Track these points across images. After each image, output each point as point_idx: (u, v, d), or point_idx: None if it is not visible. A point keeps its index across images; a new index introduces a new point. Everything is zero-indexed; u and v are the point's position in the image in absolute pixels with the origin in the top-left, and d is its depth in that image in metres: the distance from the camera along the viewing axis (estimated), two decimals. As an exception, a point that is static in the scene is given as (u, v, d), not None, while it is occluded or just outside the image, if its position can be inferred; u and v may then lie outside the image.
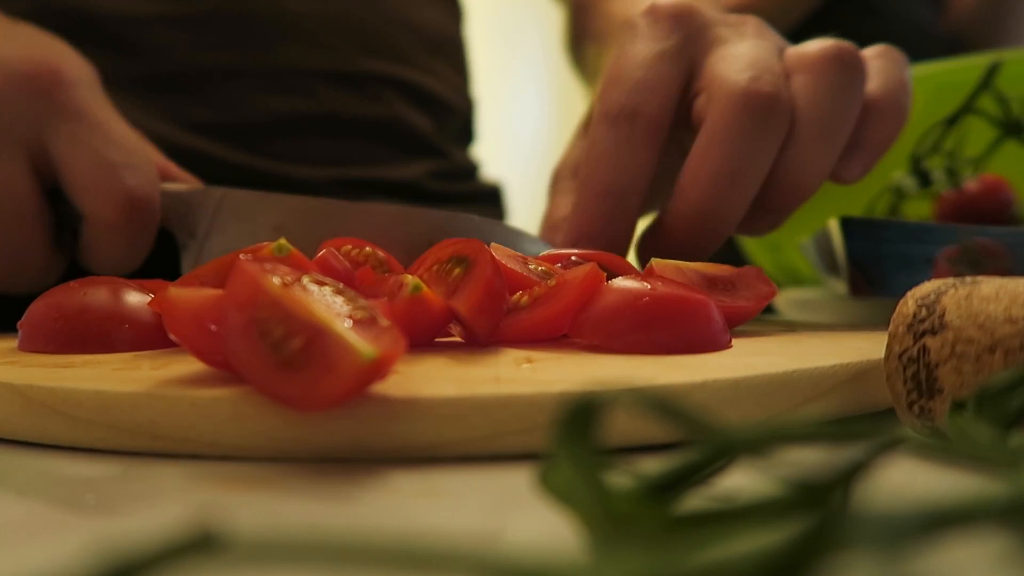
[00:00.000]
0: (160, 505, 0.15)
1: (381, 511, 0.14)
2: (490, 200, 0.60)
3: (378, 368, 0.16)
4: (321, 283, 0.19)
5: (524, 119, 3.69)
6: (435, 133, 0.54)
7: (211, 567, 0.08)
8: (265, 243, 0.24)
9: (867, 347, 0.23)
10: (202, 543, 0.08)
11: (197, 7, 0.44)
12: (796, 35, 0.84)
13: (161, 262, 0.39)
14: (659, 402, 0.10)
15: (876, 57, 0.35)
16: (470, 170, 0.59)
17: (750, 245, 0.66)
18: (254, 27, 0.46)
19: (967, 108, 0.40)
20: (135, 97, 0.43)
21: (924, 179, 0.41)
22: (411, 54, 0.52)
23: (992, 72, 0.39)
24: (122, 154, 0.33)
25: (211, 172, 0.43)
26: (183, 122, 0.44)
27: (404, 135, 0.51)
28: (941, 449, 0.12)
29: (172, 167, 0.38)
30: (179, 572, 0.08)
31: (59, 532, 0.13)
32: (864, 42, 0.84)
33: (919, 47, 0.85)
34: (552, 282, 0.24)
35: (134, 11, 0.43)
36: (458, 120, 0.57)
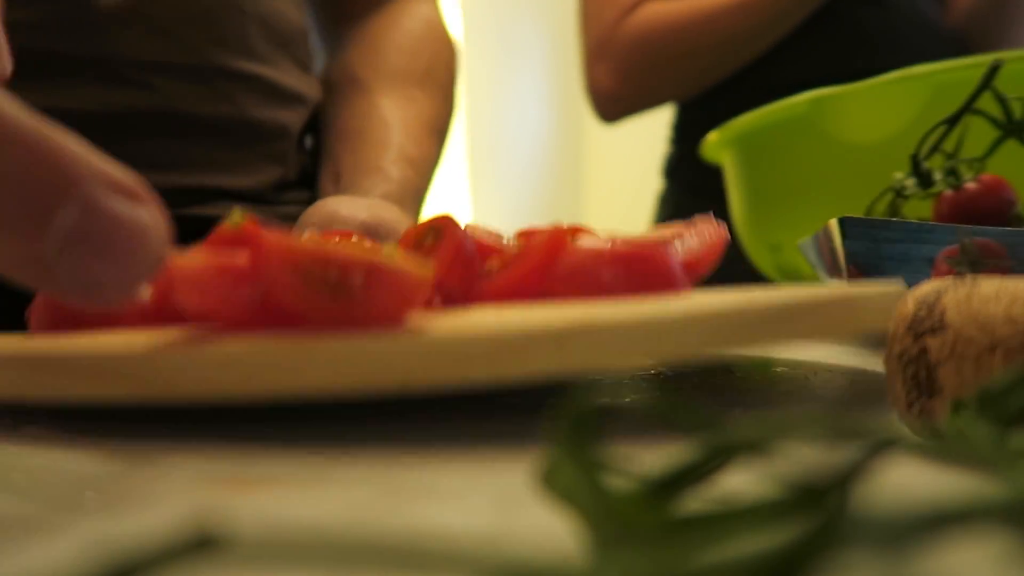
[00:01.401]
0: (161, 504, 0.15)
1: (381, 511, 0.14)
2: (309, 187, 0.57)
3: (426, 286, 0.19)
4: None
5: (525, 120, 3.69)
6: (286, 134, 0.51)
7: (211, 567, 0.08)
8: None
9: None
10: (202, 543, 0.08)
11: None
12: (804, 29, 0.85)
13: None
14: (659, 403, 0.10)
15: None
16: (312, 174, 0.56)
17: (750, 245, 0.66)
18: (92, 10, 0.42)
19: (967, 108, 0.40)
20: None
21: (924, 179, 0.41)
22: (261, 48, 0.49)
23: (993, 72, 0.39)
24: None
25: None
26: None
27: (253, 136, 0.49)
28: (941, 449, 0.12)
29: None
30: (180, 572, 0.08)
31: (59, 532, 0.13)
32: (871, 36, 0.85)
33: (925, 41, 0.85)
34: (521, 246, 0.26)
35: None
36: (300, 115, 0.54)
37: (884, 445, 0.10)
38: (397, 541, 0.08)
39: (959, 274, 0.31)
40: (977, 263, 0.31)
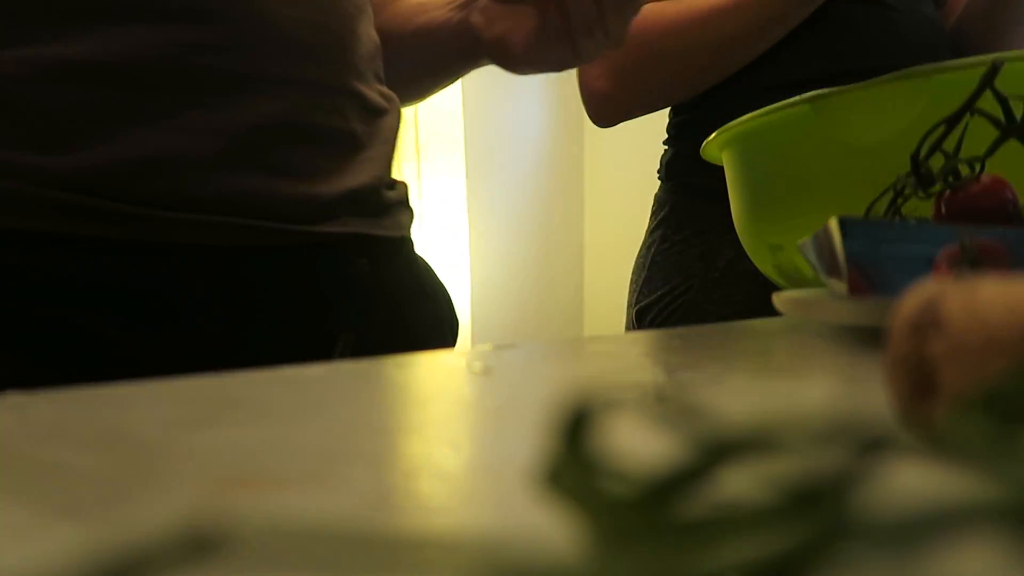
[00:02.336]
0: (161, 503, 0.15)
1: (380, 511, 0.14)
2: (407, 201, 0.60)
3: None
4: None
5: (525, 121, 3.69)
6: (379, 140, 0.54)
7: (211, 567, 0.08)
8: None
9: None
10: (202, 543, 0.08)
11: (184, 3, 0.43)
12: (803, 27, 0.85)
13: None
14: (659, 404, 0.10)
15: None
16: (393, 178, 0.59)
17: (750, 245, 0.66)
18: (270, 34, 0.45)
19: (967, 108, 0.40)
20: (93, 87, 0.41)
21: (924, 179, 0.41)
22: (361, 66, 0.52)
23: (993, 72, 0.39)
24: None
25: (177, 187, 0.42)
26: (158, 123, 0.42)
27: (354, 144, 0.51)
28: (941, 449, 0.12)
29: None
30: (179, 573, 0.08)
31: (58, 531, 0.13)
32: (868, 35, 0.85)
33: (931, 40, 0.86)
34: None
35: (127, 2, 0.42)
36: (392, 125, 0.57)
37: (884, 445, 0.10)
38: (396, 541, 0.08)
39: (959, 274, 0.31)
40: (977, 263, 0.31)
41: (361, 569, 0.08)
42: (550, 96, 4.13)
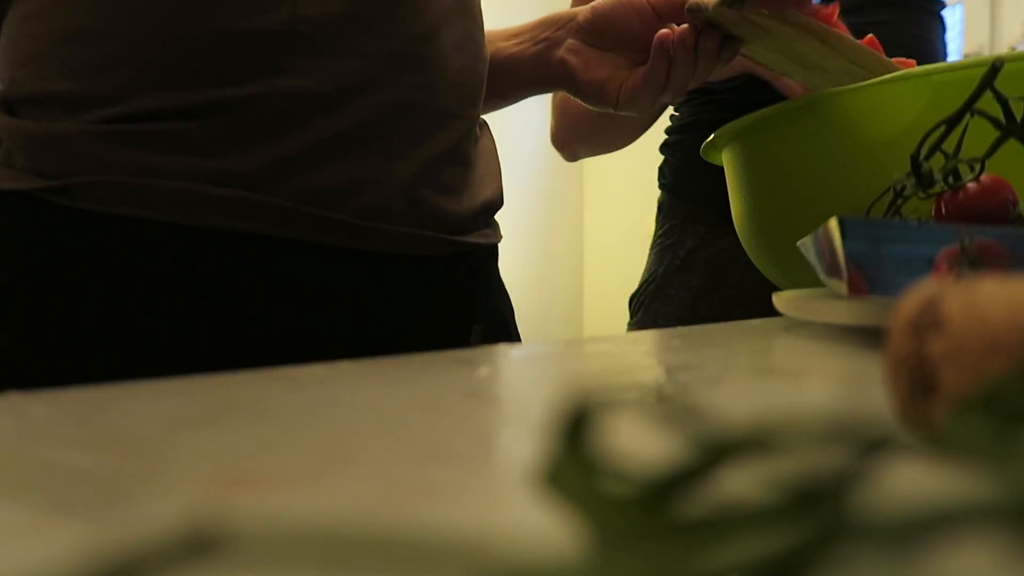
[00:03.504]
0: (161, 503, 0.15)
1: (380, 511, 0.14)
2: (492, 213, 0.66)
3: None
4: None
5: (525, 121, 3.69)
6: (485, 155, 0.62)
7: (211, 567, 0.08)
8: None
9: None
10: (201, 543, 0.08)
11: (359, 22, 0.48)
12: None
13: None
14: (659, 404, 0.10)
15: None
16: None
17: (750, 245, 0.66)
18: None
19: (968, 108, 0.40)
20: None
21: (924, 179, 0.41)
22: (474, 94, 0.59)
23: (993, 72, 0.39)
24: None
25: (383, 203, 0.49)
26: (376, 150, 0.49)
27: (471, 161, 0.57)
28: (941, 449, 0.12)
29: None
30: (179, 573, 0.08)
31: (56, 531, 0.13)
32: (881, 31, 0.86)
33: (939, 37, 0.88)
34: None
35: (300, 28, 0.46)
36: (489, 137, 0.66)
37: (884, 446, 0.10)
38: (396, 541, 0.08)
39: (959, 274, 0.31)
40: (977, 263, 0.31)
41: (361, 569, 0.08)
42: (550, 96, 4.12)
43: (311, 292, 0.48)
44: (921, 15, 0.86)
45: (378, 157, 0.48)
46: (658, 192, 0.99)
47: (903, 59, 0.61)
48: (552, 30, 0.64)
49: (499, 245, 0.63)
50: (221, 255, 0.45)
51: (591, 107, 0.64)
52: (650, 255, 0.96)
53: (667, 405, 0.11)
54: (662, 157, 1.00)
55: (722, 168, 0.69)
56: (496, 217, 0.63)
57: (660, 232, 0.95)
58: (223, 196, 0.45)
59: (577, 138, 0.96)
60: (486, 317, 0.58)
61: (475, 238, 0.56)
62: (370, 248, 0.49)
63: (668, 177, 0.96)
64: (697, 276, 0.88)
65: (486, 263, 0.59)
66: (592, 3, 0.62)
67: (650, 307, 0.91)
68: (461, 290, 0.56)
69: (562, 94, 0.97)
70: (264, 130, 0.45)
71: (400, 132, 0.49)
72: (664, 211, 0.96)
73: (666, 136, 0.97)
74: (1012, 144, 0.40)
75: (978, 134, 0.41)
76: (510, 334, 0.62)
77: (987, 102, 0.40)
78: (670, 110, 0.98)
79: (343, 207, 0.47)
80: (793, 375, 0.29)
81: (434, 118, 0.51)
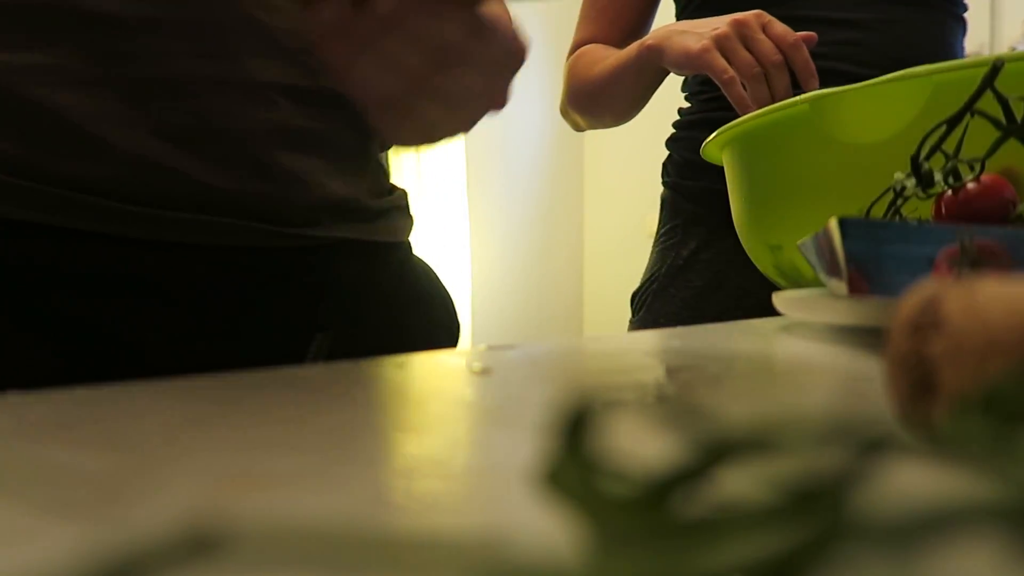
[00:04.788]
0: (161, 503, 0.15)
1: (380, 511, 0.14)
2: (405, 207, 0.60)
3: None
4: None
5: (525, 121, 3.69)
6: (367, 148, 0.54)
7: (210, 568, 0.08)
8: None
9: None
10: (201, 543, 0.08)
11: (178, 13, 0.44)
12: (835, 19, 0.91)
13: None
14: (658, 403, 0.10)
15: None
16: (388, 180, 0.59)
17: (750, 245, 0.66)
18: (231, 37, 0.46)
19: (968, 108, 0.40)
20: (117, 102, 0.43)
21: (924, 180, 0.41)
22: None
23: (994, 72, 0.39)
24: None
25: (182, 189, 0.44)
26: (165, 133, 0.44)
27: (343, 151, 0.51)
28: (941, 449, 0.12)
29: None
30: (179, 573, 0.08)
31: (56, 531, 0.13)
32: (896, 30, 0.87)
33: (959, 40, 0.90)
34: None
35: (124, 12, 0.43)
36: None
37: (883, 446, 0.10)
38: (396, 541, 0.08)
39: (959, 274, 0.31)
40: (977, 263, 0.31)
41: (361, 569, 0.08)
42: (550, 97, 4.12)
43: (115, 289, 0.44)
44: (945, 16, 0.86)
45: (162, 139, 0.43)
46: (659, 192, 1.00)
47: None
48: None
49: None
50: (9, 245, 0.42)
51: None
52: (652, 253, 0.97)
53: (667, 405, 0.11)
54: (665, 155, 1.01)
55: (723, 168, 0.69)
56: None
57: (663, 231, 0.96)
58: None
59: (576, 109, 1.00)
60: (342, 325, 0.51)
61: (315, 231, 0.49)
62: (167, 237, 0.44)
63: (672, 174, 0.97)
64: (699, 276, 0.89)
65: (336, 262, 0.52)
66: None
67: (652, 306, 0.92)
68: (295, 291, 0.50)
69: (567, 66, 1.00)
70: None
71: (192, 110, 0.44)
72: (667, 209, 0.96)
73: (673, 131, 0.98)
74: (1012, 144, 0.40)
75: (978, 134, 0.41)
76: (406, 347, 0.51)
77: (987, 102, 0.40)
78: (681, 103, 0.97)
79: (134, 195, 0.43)
80: (793, 375, 0.29)
81: (236, 90, 0.45)
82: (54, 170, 0.42)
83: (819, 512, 0.09)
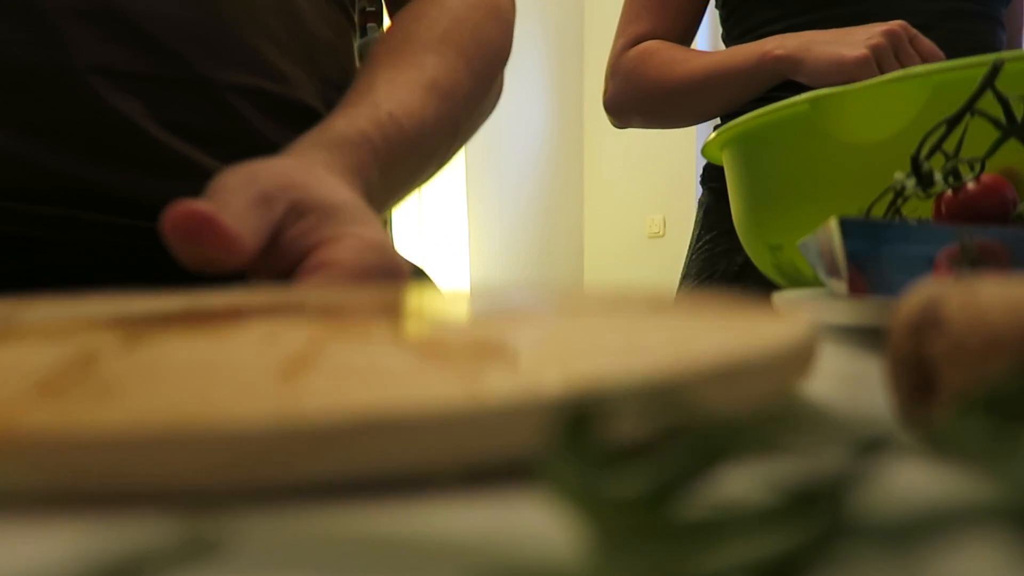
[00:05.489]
0: (161, 502, 0.14)
1: (380, 511, 0.14)
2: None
3: None
4: None
5: (525, 121, 3.69)
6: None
7: (210, 568, 0.08)
8: None
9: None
10: (203, 543, 0.08)
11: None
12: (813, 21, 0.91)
13: None
14: (660, 402, 0.10)
15: None
16: None
17: (750, 245, 0.66)
18: (99, 25, 0.44)
19: (968, 108, 0.40)
20: None
21: (924, 180, 0.41)
22: (272, 61, 0.50)
23: (994, 72, 0.39)
24: None
25: (28, 179, 0.43)
26: (14, 124, 0.43)
27: (247, 145, 0.49)
28: (941, 449, 0.12)
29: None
30: (180, 572, 0.08)
31: (58, 531, 0.13)
32: (965, 40, 0.88)
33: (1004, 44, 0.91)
34: None
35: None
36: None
37: (884, 446, 0.10)
38: (396, 541, 0.08)
39: (959, 274, 0.31)
40: (977, 263, 0.31)
41: (361, 569, 0.08)
42: (550, 97, 4.12)
43: None
44: (994, 25, 0.87)
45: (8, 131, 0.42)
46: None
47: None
48: None
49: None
50: None
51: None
52: (694, 258, 0.95)
53: (667, 404, 0.11)
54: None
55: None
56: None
57: (708, 236, 0.94)
58: None
59: (637, 108, 0.96)
60: None
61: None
62: (35, 234, 0.43)
63: (716, 179, 0.95)
64: (756, 283, 0.90)
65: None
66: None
67: None
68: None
69: (628, 61, 0.96)
70: None
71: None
72: (710, 215, 0.95)
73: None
74: (1012, 144, 0.40)
75: (978, 134, 0.41)
76: None
77: (987, 102, 0.40)
78: None
79: None
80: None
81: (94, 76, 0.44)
82: None
83: (819, 512, 0.09)
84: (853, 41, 0.74)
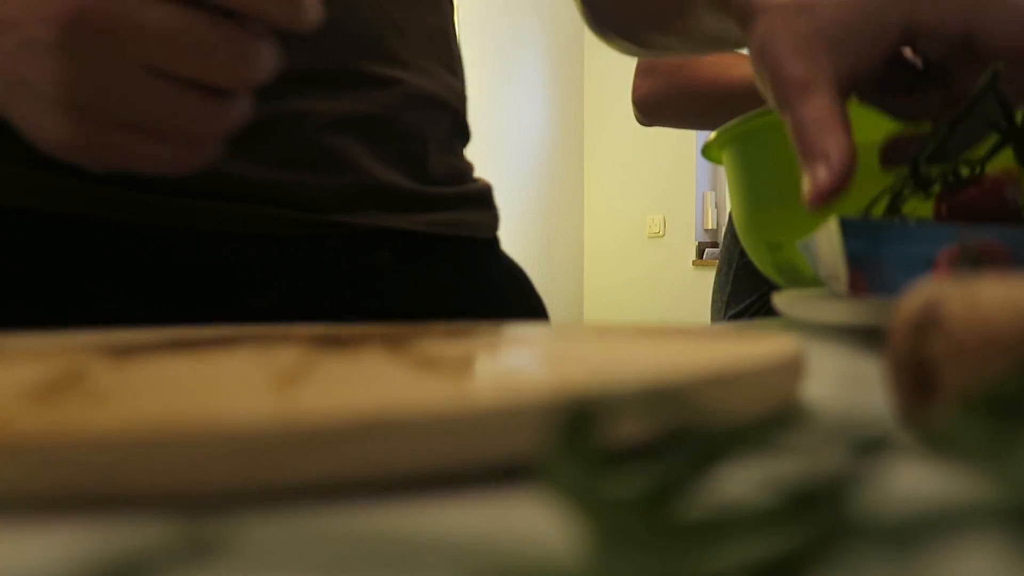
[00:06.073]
0: (158, 505, 0.14)
1: (380, 512, 0.14)
2: (483, 201, 0.59)
3: None
4: None
5: (524, 120, 3.69)
6: (425, 135, 0.53)
7: (211, 567, 0.08)
8: None
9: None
10: (203, 543, 0.08)
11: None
12: None
13: None
14: (660, 401, 0.10)
15: None
16: (462, 171, 0.58)
17: (750, 245, 0.66)
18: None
19: (969, 111, 0.40)
20: None
21: (923, 183, 0.41)
22: (402, 54, 0.52)
23: (995, 77, 0.39)
24: None
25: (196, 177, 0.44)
26: None
27: (389, 135, 0.51)
28: (941, 449, 0.12)
29: None
30: (180, 572, 0.08)
31: (58, 531, 0.13)
32: None
33: None
34: None
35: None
36: (450, 119, 0.56)
37: (884, 445, 0.10)
38: (397, 541, 0.08)
39: (959, 274, 0.31)
40: (977, 263, 0.31)
41: (361, 569, 0.08)
42: (550, 97, 4.12)
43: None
44: None
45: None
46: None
47: None
48: None
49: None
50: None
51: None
52: (739, 274, 0.95)
53: (667, 405, 0.11)
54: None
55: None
56: (497, 216, 0.60)
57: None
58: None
59: (677, 108, 0.95)
60: (370, 316, 0.49)
61: (348, 218, 0.48)
62: (189, 226, 0.45)
63: None
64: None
65: (373, 251, 0.50)
66: None
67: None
68: (328, 278, 0.48)
69: (671, 59, 0.94)
70: None
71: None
72: None
73: None
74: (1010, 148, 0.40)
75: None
76: None
77: (988, 105, 0.40)
78: None
79: (152, 184, 0.43)
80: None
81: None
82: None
83: (819, 512, 0.09)
84: None
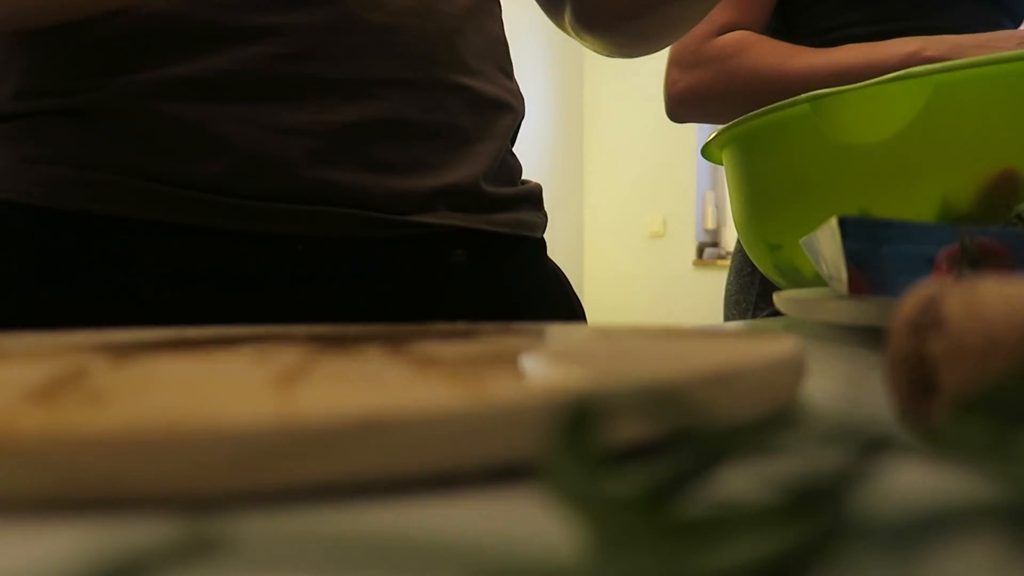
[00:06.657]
0: (158, 506, 0.14)
1: (380, 512, 0.14)
2: (536, 201, 0.61)
3: None
4: None
5: (524, 120, 3.68)
6: (491, 137, 0.55)
7: (210, 568, 0.08)
8: None
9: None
10: (203, 543, 0.08)
11: (286, 18, 0.46)
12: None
13: None
14: (660, 401, 0.10)
15: None
16: (518, 171, 0.60)
17: (750, 245, 0.66)
18: (342, 39, 0.48)
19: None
20: (212, 100, 0.44)
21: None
22: (470, 61, 0.53)
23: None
24: None
25: (282, 182, 0.45)
26: (265, 126, 0.45)
27: (459, 139, 0.52)
28: (941, 450, 0.12)
29: None
30: (180, 572, 0.08)
31: (58, 531, 0.13)
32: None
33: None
34: None
35: (248, 23, 0.45)
36: (510, 121, 0.58)
37: (884, 445, 0.10)
38: (397, 541, 0.08)
39: (959, 274, 0.31)
40: (977, 263, 0.31)
41: (361, 569, 0.08)
42: (550, 96, 4.12)
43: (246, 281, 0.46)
44: None
45: (267, 136, 0.46)
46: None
47: None
48: None
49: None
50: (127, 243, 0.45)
51: None
52: (766, 279, 0.94)
53: (667, 405, 0.11)
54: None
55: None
56: (546, 216, 0.61)
57: None
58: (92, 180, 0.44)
59: (725, 99, 0.90)
60: (452, 316, 0.50)
61: (425, 218, 0.50)
62: (272, 229, 0.46)
63: None
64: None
65: (449, 251, 0.52)
66: None
67: None
68: (406, 278, 0.50)
69: (720, 49, 0.90)
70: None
71: (276, 107, 0.46)
72: None
73: None
74: (1012, 145, 0.40)
75: (979, 134, 0.40)
76: None
77: (990, 103, 0.40)
78: None
79: (239, 190, 0.45)
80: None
81: (336, 87, 0.47)
82: (170, 170, 0.44)
83: (819, 512, 0.09)
84: (1006, 48, 0.71)
